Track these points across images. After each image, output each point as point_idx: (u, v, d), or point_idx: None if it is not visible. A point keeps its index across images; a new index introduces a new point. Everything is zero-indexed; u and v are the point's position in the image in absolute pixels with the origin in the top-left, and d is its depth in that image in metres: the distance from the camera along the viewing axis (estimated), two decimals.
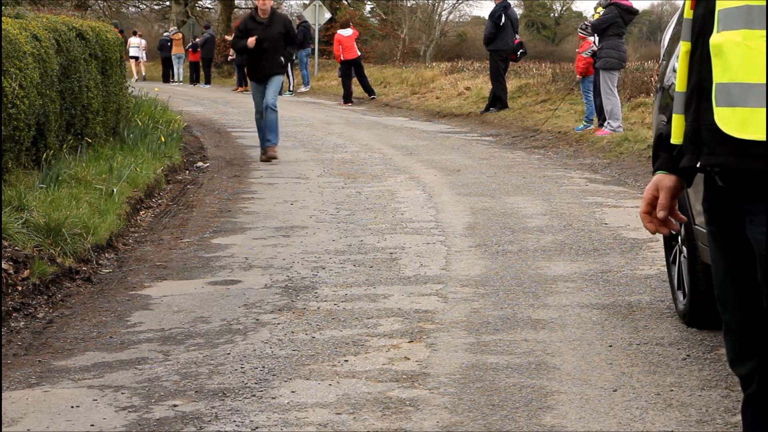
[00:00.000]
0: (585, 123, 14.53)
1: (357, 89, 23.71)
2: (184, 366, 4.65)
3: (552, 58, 37.21)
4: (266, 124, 12.27)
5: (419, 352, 4.82)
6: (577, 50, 14.78)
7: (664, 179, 2.64)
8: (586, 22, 14.97)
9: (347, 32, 22.60)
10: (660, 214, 2.64)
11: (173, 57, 34.99)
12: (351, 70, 22.72)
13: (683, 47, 2.55)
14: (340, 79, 24.98)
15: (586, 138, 13.70)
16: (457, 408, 4.08)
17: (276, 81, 12.29)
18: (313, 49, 31.82)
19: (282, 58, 12.25)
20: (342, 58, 22.39)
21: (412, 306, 5.68)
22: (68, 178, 8.41)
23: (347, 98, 22.96)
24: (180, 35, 35.11)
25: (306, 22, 28.58)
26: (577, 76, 14.78)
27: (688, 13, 2.56)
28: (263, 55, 12.12)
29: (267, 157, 12.33)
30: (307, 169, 11.65)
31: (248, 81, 12.85)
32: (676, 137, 2.57)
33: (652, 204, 2.66)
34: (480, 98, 19.67)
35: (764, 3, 2.31)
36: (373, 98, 23.32)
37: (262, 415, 4.03)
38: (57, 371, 4.61)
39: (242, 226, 8.16)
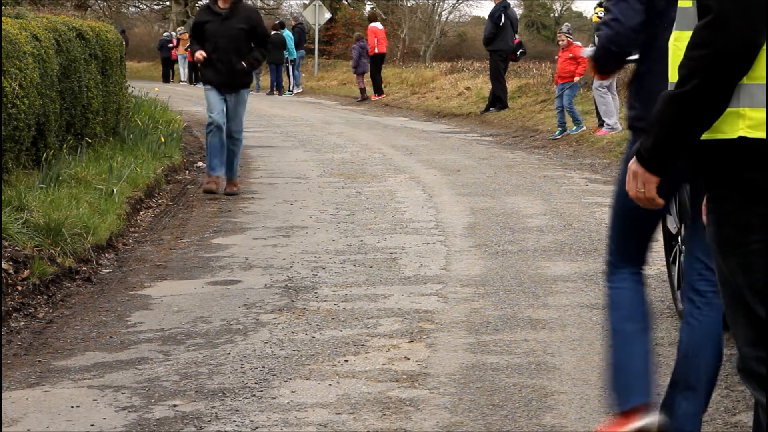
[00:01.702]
0: (561, 129, 14.41)
1: (358, 89, 23.72)
2: (184, 366, 4.65)
3: (552, 58, 37.15)
4: (227, 153, 9.80)
5: (419, 352, 4.82)
6: (570, 55, 14.44)
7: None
8: (568, 24, 14.96)
9: (380, 26, 23.64)
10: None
11: (180, 57, 34.72)
12: (380, 62, 23.17)
13: None
14: (339, 79, 25.00)
15: (586, 138, 13.69)
16: (457, 408, 4.09)
17: (241, 102, 9.79)
18: (312, 50, 31.82)
19: (244, 63, 9.60)
20: (376, 51, 22.84)
21: (412, 306, 5.68)
22: (68, 178, 8.40)
23: (379, 90, 23.27)
24: (188, 35, 34.85)
25: (301, 24, 28.63)
26: (561, 82, 14.50)
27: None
28: (216, 54, 9.57)
29: (220, 190, 9.79)
30: (307, 169, 11.64)
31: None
32: None
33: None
34: (480, 98, 19.66)
35: (687, 5, 2.47)
36: (376, 97, 23.39)
37: (262, 415, 4.03)
38: (57, 371, 4.61)
39: (242, 226, 8.15)
